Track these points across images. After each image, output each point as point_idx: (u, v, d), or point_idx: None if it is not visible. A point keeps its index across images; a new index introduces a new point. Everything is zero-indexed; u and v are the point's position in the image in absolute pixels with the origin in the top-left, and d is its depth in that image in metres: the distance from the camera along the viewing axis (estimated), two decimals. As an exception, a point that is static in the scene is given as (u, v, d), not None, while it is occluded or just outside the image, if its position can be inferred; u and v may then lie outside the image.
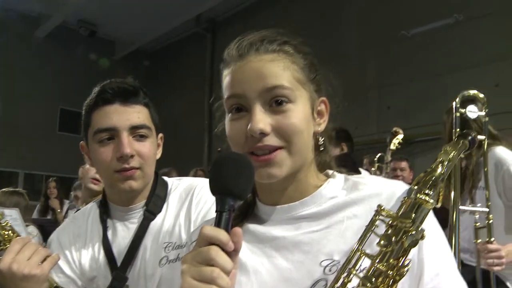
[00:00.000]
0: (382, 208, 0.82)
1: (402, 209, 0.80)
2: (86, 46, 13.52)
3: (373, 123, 8.64)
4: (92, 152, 1.37)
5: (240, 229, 0.78)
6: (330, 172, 1.01)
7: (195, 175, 5.69)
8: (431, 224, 0.89)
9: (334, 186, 0.96)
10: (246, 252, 0.93)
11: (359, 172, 2.95)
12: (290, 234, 0.92)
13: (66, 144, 12.32)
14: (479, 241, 2.27)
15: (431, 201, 0.79)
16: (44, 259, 1.16)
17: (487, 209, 2.29)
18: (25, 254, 1.11)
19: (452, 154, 0.95)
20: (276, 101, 0.88)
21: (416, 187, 0.81)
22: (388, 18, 8.71)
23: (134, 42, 14.20)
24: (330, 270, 0.86)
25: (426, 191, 0.80)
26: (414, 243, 0.77)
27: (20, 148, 12.30)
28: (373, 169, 4.55)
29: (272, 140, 0.87)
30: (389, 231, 0.79)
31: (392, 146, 4.35)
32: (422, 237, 0.77)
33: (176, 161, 6.19)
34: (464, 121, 2.41)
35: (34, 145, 12.31)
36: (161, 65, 14.55)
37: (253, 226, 0.97)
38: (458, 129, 2.29)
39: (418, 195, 0.80)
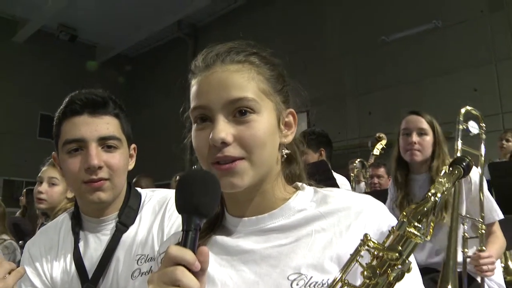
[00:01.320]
0: (368, 238, 0.80)
1: (389, 240, 0.79)
2: (67, 51, 13.39)
3: (354, 128, 8.70)
4: (62, 162, 1.36)
5: (206, 248, 0.78)
6: (299, 184, 1.01)
7: (175, 181, 5.65)
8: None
9: (303, 199, 0.96)
10: (214, 265, 0.93)
11: (333, 179, 2.96)
12: (258, 247, 0.92)
13: (47, 149, 12.10)
14: (467, 250, 2.32)
15: (420, 235, 0.77)
16: (9, 273, 1.14)
17: (481, 220, 2.36)
18: None
19: (446, 185, 0.93)
20: (239, 112, 0.88)
21: (405, 219, 0.79)
22: (368, 24, 8.80)
23: (115, 47, 14.09)
24: (297, 284, 0.85)
25: (416, 224, 0.78)
26: (400, 276, 0.75)
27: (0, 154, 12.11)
28: (352, 174, 4.56)
29: (233, 151, 0.87)
30: (374, 262, 0.77)
31: (376, 152, 4.38)
32: (409, 270, 0.76)
33: (158, 166, 6.15)
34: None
35: (14, 151, 12.12)
36: (143, 70, 14.48)
37: (221, 238, 0.96)
38: (460, 141, 2.34)
39: (407, 228, 0.77)
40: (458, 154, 2.47)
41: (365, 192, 4.50)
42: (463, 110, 2.45)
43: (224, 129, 0.86)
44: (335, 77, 8.95)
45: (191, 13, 11.97)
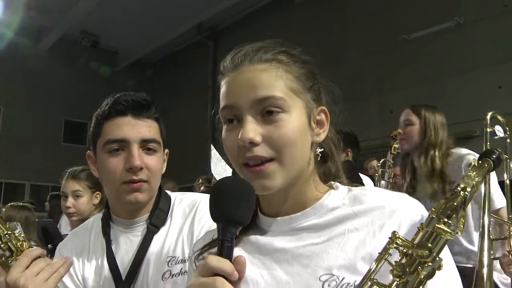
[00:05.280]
0: (397, 235, 0.77)
1: (418, 237, 0.76)
2: (89, 57, 13.63)
3: (376, 127, 8.63)
4: (100, 162, 1.37)
5: (243, 257, 0.79)
6: (333, 183, 0.99)
7: (198, 184, 5.69)
8: None
9: (336, 197, 0.94)
10: (247, 264, 0.91)
11: (360, 179, 2.97)
12: (290, 246, 0.91)
13: (71, 154, 12.37)
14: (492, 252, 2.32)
15: (450, 231, 0.74)
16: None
17: (509, 222, 2.36)
18: (33, 270, 1.11)
19: (476, 179, 0.88)
20: (267, 111, 0.87)
21: (434, 215, 0.76)
22: (388, 23, 8.73)
23: (136, 52, 14.30)
24: (329, 285, 0.84)
25: (445, 220, 0.75)
26: (431, 274, 0.72)
27: (26, 160, 12.38)
28: (376, 174, 4.52)
29: (262, 151, 0.86)
30: (404, 261, 0.75)
31: (393, 151, 4.33)
32: (440, 268, 0.72)
33: (179, 171, 6.20)
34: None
35: (40, 157, 12.39)
36: (164, 74, 14.62)
37: (254, 237, 0.96)
38: (488, 143, 2.36)
39: (437, 224, 0.74)
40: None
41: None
42: (489, 115, 2.45)
43: (253, 129, 0.85)
44: (356, 77, 8.89)
45: (211, 16, 12.05)
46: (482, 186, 2.37)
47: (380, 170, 4.29)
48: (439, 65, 7.87)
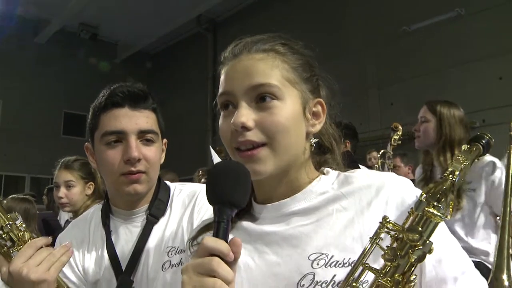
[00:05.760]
0: (387, 220, 0.79)
1: (409, 222, 0.78)
2: (88, 49, 13.59)
3: (376, 119, 8.64)
4: (98, 154, 1.37)
5: (239, 239, 0.79)
6: (324, 169, 1.01)
7: (197, 175, 5.70)
8: None
9: (325, 182, 0.96)
10: None
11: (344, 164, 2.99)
12: (280, 229, 0.93)
13: (71, 147, 12.34)
14: None
15: (440, 214, 0.75)
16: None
17: None
18: (36, 259, 1.12)
19: (464, 163, 0.90)
20: (261, 98, 0.89)
21: (424, 199, 0.78)
22: (389, 14, 8.69)
23: (135, 44, 14.25)
24: (318, 264, 0.86)
25: (435, 204, 0.76)
26: (421, 258, 0.74)
27: (26, 152, 12.38)
28: (376, 165, 4.54)
29: (254, 136, 0.88)
30: (395, 245, 0.76)
31: (393, 142, 4.33)
32: (430, 251, 0.74)
33: (179, 162, 6.21)
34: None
35: (40, 149, 12.38)
36: (163, 66, 14.59)
37: (246, 224, 0.98)
38: None
39: (426, 208, 0.76)
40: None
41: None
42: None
43: (245, 114, 0.88)
44: (356, 68, 8.87)
45: (210, 8, 12.00)
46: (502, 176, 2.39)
47: (380, 161, 4.30)
48: (440, 56, 7.85)
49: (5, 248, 1.21)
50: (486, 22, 7.33)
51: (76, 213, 2.67)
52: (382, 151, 4.28)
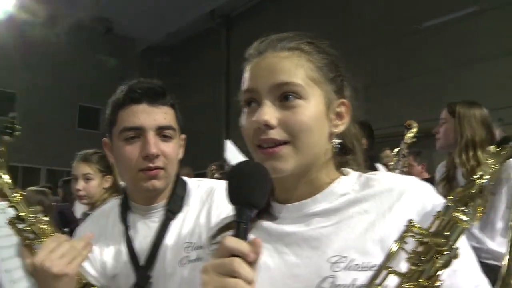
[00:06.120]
0: (413, 223, 0.77)
1: (435, 225, 0.76)
2: (103, 43, 13.67)
3: (388, 117, 8.58)
4: (117, 149, 1.38)
5: (260, 239, 0.79)
6: (343, 169, 1.00)
7: (210, 170, 5.71)
8: None
9: (346, 183, 0.95)
10: None
11: (375, 169, 2.99)
12: (300, 230, 0.92)
13: (86, 140, 12.48)
14: None
15: (467, 219, 0.73)
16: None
17: None
18: (58, 253, 1.14)
19: (493, 166, 0.87)
20: (285, 97, 0.89)
21: (451, 203, 0.76)
22: (402, 11, 8.62)
23: (149, 38, 14.31)
24: (338, 267, 0.85)
25: (462, 209, 0.74)
26: (447, 263, 0.72)
27: (42, 144, 12.53)
28: (391, 163, 4.51)
29: (276, 134, 0.87)
30: (420, 249, 0.75)
31: (407, 140, 4.29)
32: (456, 256, 0.73)
33: (193, 157, 6.24)
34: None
35: (55, 142, 12.54)
36: (177, 61, 14.62)
37: (266, 223, 0.98)
38: None
39: (453, 213, 0.74)
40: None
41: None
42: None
43: (269, 112, 0.88)
44: (368, 66, 8.82)
45: (224, 3, 12.00)
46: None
47: (394, 159, 4.28)
48: (453, 54, 7.78)
49: (27, 241, 1.25)
50: (501, 19, 7.24)
51: (93, 206, 2.69)
52: (396, 149, 4.26)
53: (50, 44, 12.71)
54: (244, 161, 0.91)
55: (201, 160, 7.46)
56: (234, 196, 0.83)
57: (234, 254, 0.75)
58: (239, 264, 0.74)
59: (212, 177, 5.33)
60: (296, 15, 9.82)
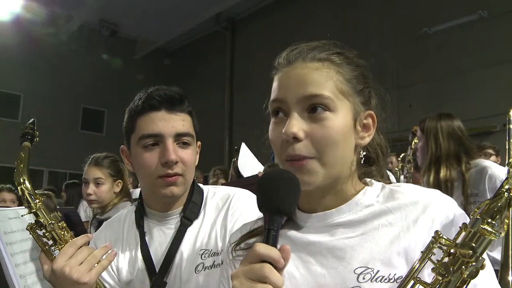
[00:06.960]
0: (440, 235, 0.78)
1: (461, 237, 0.77)
2: (107, 45, 13.72)
3: (394, 121, 8.56)
4: (135, 156, 1.38)
5: (288, 246, 0.79)
6: (367, 180, 1.00)
7: (214, 174, 5.70)
8: None
9: (371, 194, 0.96)
10: None
11: (387, 176, 2.98)
12: (325, 240, 0.93)
13: (88, 142, 12.56)
14: None
15: (495, 232, 0.74)
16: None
17: None
18: (77, 258, 1.15)
19: None
20: (313, 108, 0.88)
21: (479, 216, 0.76)
22: (410, 16, 8.63)
23: (154, 41, 14.34)
24: (363, 278, 0.86)
25: (489, 221, 0.75)
26: (474, 274, 0.73)
27: (44, 146, 12.50)
28: (396, 169, 4.51)
29: (304, 150, 0.88)
30: (446, 259, 0.76)
31: (413, 146, 4.30)
32: (483, 267, 0.73)
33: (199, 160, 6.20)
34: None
35: (58, 144, 12.53)
36: (182, 64, 14.64)
37: (290, 232, 0.98)
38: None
39: (481, 225, 0.75)
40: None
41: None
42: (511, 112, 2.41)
43: (297, 124, 0.88)
44: (375, 70, 8.79)
45: (229, 6, 12.04)
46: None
47: (400, 164, 4.28)
48: (460, 59, 7.77)
49: (47, 247, 1.25)
50: (508, 25, 7.24)
51: (103, 210, 2.70)
52: (402, 154, 4.26)
53: (54, 46, 12.77)
54: (276, 168, 0.92)
55: (203, 163, 7.43)
56: (264, 203, 0.83)
57: (264, 260, 0.76)
58: (269, 270, 0.75)
59: (215, 180, 5.33)
60: (302, 20, 9.83)
